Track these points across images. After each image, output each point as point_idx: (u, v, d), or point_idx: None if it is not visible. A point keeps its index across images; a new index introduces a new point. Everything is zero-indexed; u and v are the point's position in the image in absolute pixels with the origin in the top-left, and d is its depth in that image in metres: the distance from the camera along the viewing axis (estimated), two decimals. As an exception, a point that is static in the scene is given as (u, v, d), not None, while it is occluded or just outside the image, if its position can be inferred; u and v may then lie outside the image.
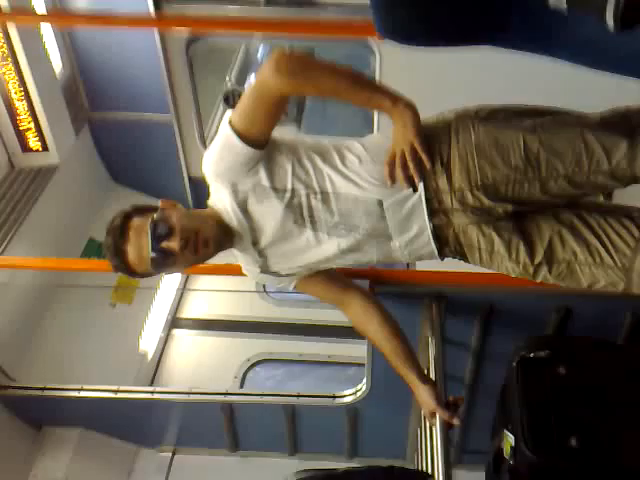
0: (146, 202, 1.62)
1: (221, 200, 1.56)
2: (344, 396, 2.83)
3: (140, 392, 3.23)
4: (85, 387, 3.10)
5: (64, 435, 3.37)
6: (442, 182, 1.48)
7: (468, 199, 1.48)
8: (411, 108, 1.46)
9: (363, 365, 2.60)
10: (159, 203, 1.58)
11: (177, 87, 3.80)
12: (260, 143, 1.48)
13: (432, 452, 1.94)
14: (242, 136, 1.46)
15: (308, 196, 1.52)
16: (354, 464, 2.84)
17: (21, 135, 3.54)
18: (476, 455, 2.30)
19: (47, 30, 3.63)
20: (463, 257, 1.62)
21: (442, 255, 1.62)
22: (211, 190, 1.60)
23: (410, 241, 1.56)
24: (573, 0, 1.14)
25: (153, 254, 1.49)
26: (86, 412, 3.24)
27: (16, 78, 3.38)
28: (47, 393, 3.10)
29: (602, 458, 1.75)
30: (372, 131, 3.48)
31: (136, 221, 1.52)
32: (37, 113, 3.50)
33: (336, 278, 1.79)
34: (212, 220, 1.57)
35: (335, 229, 1.55)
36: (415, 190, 1.49)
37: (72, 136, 3.88)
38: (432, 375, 2.10)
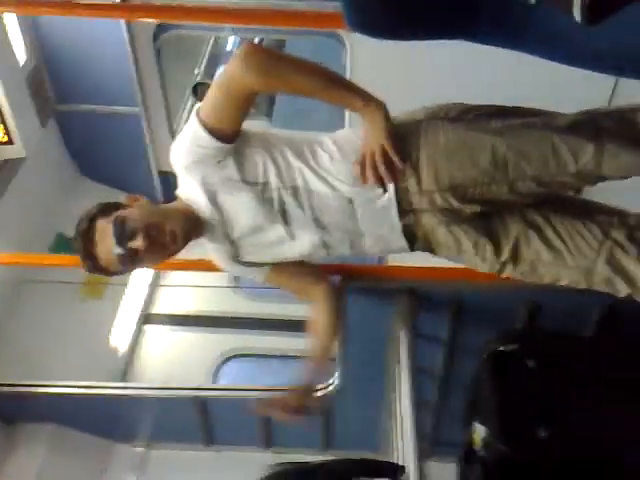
0: (115, 196, 1.60)
1: (191, 192, 1.54)
2: (316, 390, 2.83)
3: (112, 388, 3.21)
4: (57, 383, 3.07)
5: (37, 431, 3.34)
6: (411, 183, 1.49)
7: (437, 200, 1.49)
8: (382, 109, 1.46)
9: (334, 360, 2.60)
10: (123, 199, 1.56)
11: (145, 79, 3.75)
12: (229, 137, 1.46)
13: (403, 444, 1.97)
14: (210, 130, 1.44)
15: (279, 190, 1.51)
16: (328, 457, 2.85)
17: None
18: (448, 447, 2.33)
19: (11, 20, 3.54)
20: (432, 252, 1.64)
21: (412, 250, 1.63)
22: (180, 181, 1.58)
23: (380, 238, 1.57)
24: (541, -8, 1.14)
25: (120, 255, 1.48)
26: (58, 408, 3.21)
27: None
28: (18, 389, 3.06)
29: (571, 449, 1.79)
30: (344, 124, 3.47)
31: (100, 223, 1.50)
32: (1, 106, 3.42)
33: (307, 272, 1.79)
34: (179, 213, 1.55)
35: (307, 224, 1.54)
36: (385, 190, 1.50)
37: (38, 129, 3.81)
38: (404, 368, 2.13)
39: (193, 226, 1.56)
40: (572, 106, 1.54)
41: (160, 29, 3.60)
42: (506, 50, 1.50)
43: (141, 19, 3.45)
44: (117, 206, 1.54)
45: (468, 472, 1.99)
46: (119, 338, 4.11)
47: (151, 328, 4.27)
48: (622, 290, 1.52)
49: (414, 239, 1.58)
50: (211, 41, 4.69)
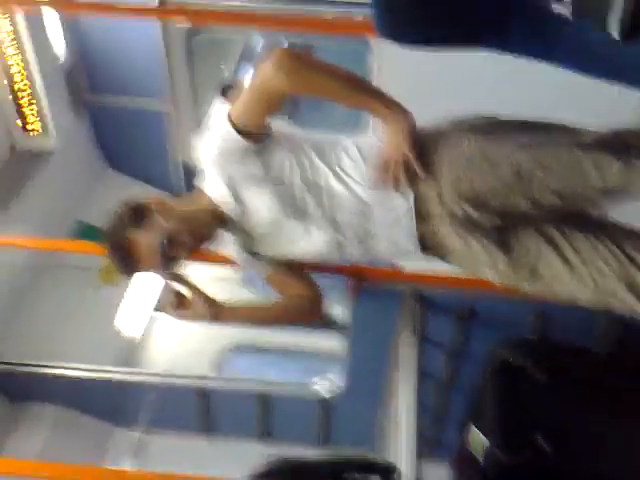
0: (140, 188, 1.66)
1: (215, 187, 1.59)
2: (318, 386, 2.86)
3: (117, 372, 3.24)
4: (63, 365, 3.11)
5: (40, 412, 3.39)
6: (431, 192, 1.50)
7: (455, 209, 1.50)
8: (407, 117, 1.49)
9: (340, 357, 2.63)
10: (149, 201, 1.60)
11: (176, 77, 3.83)
12: (256, 136, 1.52)
13: (400, 444, 1.99)
14: (238, 128, 1.49)
15: (301, 189, 1.55)
16: (324, 452, 2.87)
17: (22, 118, 3.54)
18: (446, 450, 2.34)
19: (51, 16, 3.63)
20: (446, 261, 1.64)
21: (425, 257, 1.65)
22: (205, 176, 1.63)
23: (395, 243, 1.59)
24: (579, 8, 1.14)
25: (162, 263, 1.55)
26: (63, 390, 3.25)
27: (20, 62, 3.37)
28: (24, 369, 3.11)
29: (575, 465, 1.78)
30: (367, 127, 3.50)
31: (135, 236, 1.56)
32: (39, 97, 3.50)
33: (304, 280, 1.79)
34: (204, 212, 1.61)
35: (324, 224, 1.58)
36: (404, 197, 1.52)
37: (72, 121, 3.89)
38: (407, 371, 2.15)
39: (219, 221, 1.62)
40: (602, 123, 1.52)
41: (193, 30, 3.70)
42: (535, 63, 1.51)
43: (176, 22, 3.53)
44: (144, 211, 1.59)
45: (462, 477, 2.00)
46: (131, 324, 4.16)
47: (161, 316, 4.29)
48: None
49: (428, 247, 1.60)
50: (241, 43, 4.75)
